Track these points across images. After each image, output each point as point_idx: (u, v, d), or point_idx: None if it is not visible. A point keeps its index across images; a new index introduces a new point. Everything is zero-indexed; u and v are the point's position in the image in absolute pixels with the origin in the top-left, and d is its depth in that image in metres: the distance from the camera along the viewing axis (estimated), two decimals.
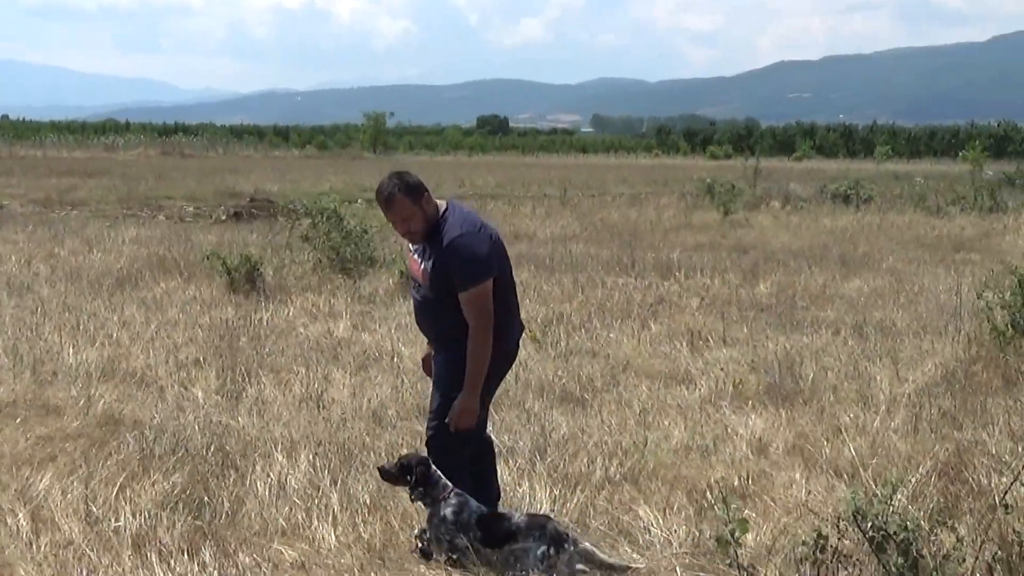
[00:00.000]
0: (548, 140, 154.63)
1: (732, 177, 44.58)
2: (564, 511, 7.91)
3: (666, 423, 10.27)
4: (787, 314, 16.27)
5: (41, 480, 8.31)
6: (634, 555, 7.10)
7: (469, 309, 7.03)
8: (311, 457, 8.84)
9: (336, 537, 7.43)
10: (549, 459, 9.04)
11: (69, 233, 26.13)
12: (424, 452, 7.38)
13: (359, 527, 7.61)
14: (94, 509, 7.74)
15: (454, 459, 7.26)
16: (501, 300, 7.16)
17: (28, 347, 12.92)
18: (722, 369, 12.41)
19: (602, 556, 6.91)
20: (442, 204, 7.23)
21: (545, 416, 10.42)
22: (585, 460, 9.00)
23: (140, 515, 7.63)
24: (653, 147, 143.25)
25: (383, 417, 10.36)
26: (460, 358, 7.10)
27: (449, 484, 7.17)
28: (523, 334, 7.71)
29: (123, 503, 7.85)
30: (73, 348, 12.98)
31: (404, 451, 9.03)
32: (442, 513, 7.05)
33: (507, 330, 7.26)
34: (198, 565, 6.82)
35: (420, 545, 7.20)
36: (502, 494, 8.03)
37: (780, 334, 14.63)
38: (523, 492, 8.25)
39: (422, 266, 7.20)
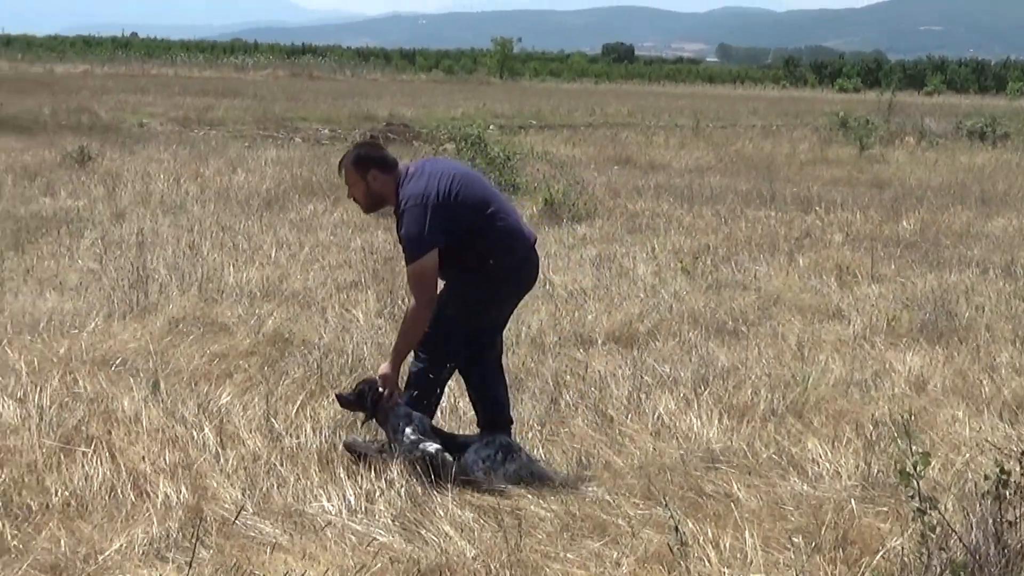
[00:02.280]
0: (674, 69, 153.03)
1: (863, 111, 44.02)
2: (732, 440, 8.07)
3: (822, 358, 10.35)
4: (933, 251, 16.19)
5: (221, 396, 8.61)
6: (804, 487, 7.24)
7: (409, 283, 7.33)
8: None
9: None
10: (712, 390, 9.19)
11: (211, 153, 26.54)
12: None
13: (536, 448, 7.83)
14: (276, 425, 8.01)
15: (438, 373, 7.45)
16: (494, 226, 7.33)
17: (190, 266, 13.25)
18: (873, 305, 12.45)
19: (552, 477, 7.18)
20: (409, 167, 7.39)
21: (702, 347, 10.55)
22: (749, 392, 9.14)
23: (320, 432, 7.90)
24: (780, 78, 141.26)
25: (543, 344, 10.53)
26: (461, 285, 7.36)
27: (395, 396, 7.36)
28: (537, 246, 7.69)
29: (304, 420, 8.12)
30: (233, 267, 13.31)
31: (567, 377, 9.26)
32: (400, 425, 7.22)
33: (509, 249, 7.40)
34: (385, 482, 7.04)
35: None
36: (667, 422, 8.26)
37: (928, 271, 14.60)
38: (688, 421, 8.42)
39: None
